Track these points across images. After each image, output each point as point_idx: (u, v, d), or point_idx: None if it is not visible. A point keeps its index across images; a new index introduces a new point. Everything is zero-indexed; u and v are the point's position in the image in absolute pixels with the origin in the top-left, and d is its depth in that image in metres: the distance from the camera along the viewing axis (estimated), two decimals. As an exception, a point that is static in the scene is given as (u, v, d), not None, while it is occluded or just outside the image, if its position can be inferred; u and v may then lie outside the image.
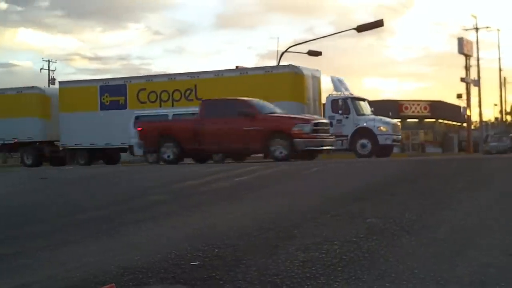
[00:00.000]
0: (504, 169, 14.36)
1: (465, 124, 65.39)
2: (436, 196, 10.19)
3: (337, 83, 32.80)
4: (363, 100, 33.05)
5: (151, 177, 17.41)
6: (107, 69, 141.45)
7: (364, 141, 29.81)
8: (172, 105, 32.15)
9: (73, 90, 35.34)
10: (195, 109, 27.01)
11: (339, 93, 32.06)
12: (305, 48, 42.99)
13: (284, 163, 20.93)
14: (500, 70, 70.25)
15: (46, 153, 36.59)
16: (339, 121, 30.57)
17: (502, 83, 69.86)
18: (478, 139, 60.90)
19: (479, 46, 61.77)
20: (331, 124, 28.18)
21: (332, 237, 7.45)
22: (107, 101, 34.10)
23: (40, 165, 36.05)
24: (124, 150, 35.64)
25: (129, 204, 12.16)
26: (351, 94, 32.67)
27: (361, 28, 41.23)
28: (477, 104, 62.12)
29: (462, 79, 59.70)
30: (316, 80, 32.13)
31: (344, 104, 30.98)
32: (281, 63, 37.87)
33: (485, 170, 14.30)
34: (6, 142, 37.31)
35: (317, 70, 32.59)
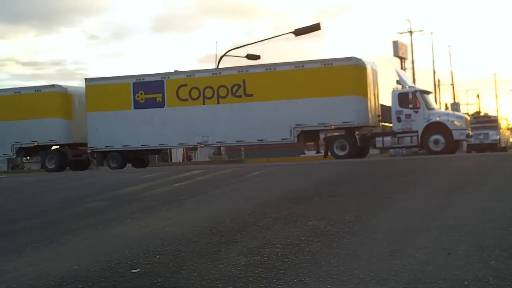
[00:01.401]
0: (438, 169, 14.69)
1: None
2: (375, 197, 10.35)
3: (404, 76, 30.89)
4: (429, 93, 30.76)
5: (89, 183, 17.13)
6: (42, 74, 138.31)
7: (438, 136, 27.40)
8: (218, 102, 29.63)
9: (102, 88, 32.04)
10: None
11: (405, 86, 29.67)
12: (244, 51, 43.10)
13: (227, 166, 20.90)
14: (434, 72, 71.98)
15: (69, 156, 33.40)
16: (408, 116, 27.86)
17: (437, 85, 71.53)
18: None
19: (413, 49, 63.29)
20: (398, 119, 27.49)
21: (274, 241, 7.48)
22: (142, 99, 30.97)
23: (63, 169, 32.91)
24: (158, 152, 33.41)
25: (67, 211, 11.92)
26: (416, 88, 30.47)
27: (298, 32, 41.54)
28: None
29: (398, 82, 60.83)
30: (375, 73, 29.70)
31: (414, 98, 28.23)
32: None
33: (420, 170, 14.60)
34: (23, 145, 33.79)
35: (374, 62, 30.16)
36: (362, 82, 28.20)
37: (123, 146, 31.11)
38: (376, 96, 29.47)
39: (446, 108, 48.38)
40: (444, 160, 17.52)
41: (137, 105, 31.02)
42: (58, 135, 32.97)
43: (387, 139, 27.99)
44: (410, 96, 28.05)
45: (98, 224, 9.99)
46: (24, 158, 38.29)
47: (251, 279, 6.01)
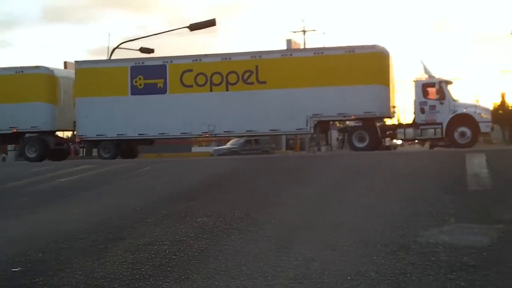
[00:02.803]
0: (328, 167, 15.03)
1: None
2: (265, 194, 10.46)
3: (428, 66, 28.97)
4: (451, 83, 29.13)
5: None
6: None
7: (464, 129, 26.36)
8: (227, 89, 27.53)
9: (95, 72, 29.15)
10: None
11: (429, 76, 28.09)
12: (138, 44, 42.40)
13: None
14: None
15: (51, 145, 30.00)
16: (433, 107, 26.72)
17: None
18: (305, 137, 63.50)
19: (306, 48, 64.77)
20: (422, 110, 26.46)
21: (162, 237, 7.40)
22: (140, 85, 28.40)
23: (44, 159, 29.46)
24: (152, 142, 30.55)
25: None
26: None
27: (193, 27, 41.31)
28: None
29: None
30: (392, 61, 28.22)
31: (440, 89, 26.95)
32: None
33: (311, 168, 14.89)
34: (0, 132, 29.91)
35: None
36: (385, 71, 27.08)
37: (117, 135, 28.49)
38: (393, 84, 28.14)
39: None
40: (335, 158, 17.98)
41: (135, 91, 28.49)
42: (43, 121, 29.51)
43: (409, 131, 27.00)
44: (437, 86, 26.82)
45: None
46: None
47: (137, 276, 5.91)
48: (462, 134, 26.17)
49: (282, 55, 27.66)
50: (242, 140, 39.01)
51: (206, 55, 28.59)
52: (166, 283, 5.70)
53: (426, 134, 26.74)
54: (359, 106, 26.04)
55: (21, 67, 31.03)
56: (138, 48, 42.57)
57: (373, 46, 27.03)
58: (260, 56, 27.73)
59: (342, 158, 17.74)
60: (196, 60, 28.43)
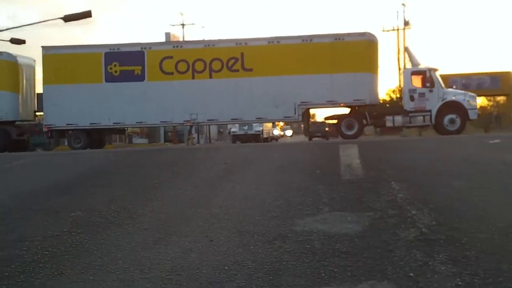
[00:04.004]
0: (206, 159, 15.05)
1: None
2: (142, 186, 10.32)
3: (415, 54, 29.48)
4: (437, 70, 29.51)
5: None
6: None
7: (453, 116, 26.96)
8: (210, 77, 26.72)
9: (64, 58, 27.50)
10: None
11: (416, 65, 28.62)
12: (8, 35, 40.62)
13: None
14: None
15: (13, 135, 28.03)
16: (422, 94, 27.27)
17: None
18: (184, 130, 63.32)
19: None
20: (411, 98, 26.65)
21: (34, 233, 7.12)
22: (115, 71, 27.09)
23: (5, 150, 26.73)
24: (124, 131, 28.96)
25: None
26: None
27: (68, 18, 40.04)
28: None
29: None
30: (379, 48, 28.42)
31: (430, 77, 27.39)
32: None
33: (188, 160, 14.84)
34: None
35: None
36: (375, 59, 27.40)
37: (90, 124, 26.96)
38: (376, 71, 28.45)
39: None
40: (214, 151, 18.02)
41: (110, 78, 27.17)
42: (6, 111, 27.72)
43: (398, 118, 27.33)
44: (427, 74, 27.35)
45: None
46: None
47: (6, 274, 5.66)
48: (452, 121, 26.90)
49: (269, 42, 27.32)
50: None
51: (187, 41, 28.91)
52: (38, 280, 5.49)
53: (415, 121, 27.42)
54: (349, 94, 26.35)
55: None
56: (9, 39, 40.82)
57: (363, 34, 27.31)
58: (245, 43, 27.38)
59: (221, 151, 17.81)
60: (176, 46, 28.07)
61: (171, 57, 27.25)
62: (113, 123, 27.49)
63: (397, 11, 74.78)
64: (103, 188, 10.40)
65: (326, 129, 51.39)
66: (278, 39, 27.38)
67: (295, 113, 26.70)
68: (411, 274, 5.13)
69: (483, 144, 16.43)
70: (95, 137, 27.94)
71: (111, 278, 5.47)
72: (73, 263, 5.92)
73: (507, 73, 46.54)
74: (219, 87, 26.66)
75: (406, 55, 30.78)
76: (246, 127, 44.04)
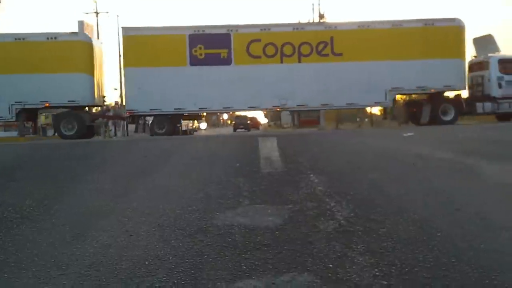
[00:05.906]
0: (126, 150, 14.87)
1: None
2: (59, 180, 10.07)
3: (496, 43, 29.58)
4: None
5: None
6: None
7: None
8: (299, 61, 26.13)
9: (146, 39, 26.19)
10: None
11: (498, 53, 28.87)
12: None
13: None
14: (119, 54, 72.90)
15: (87, 121, 26.70)
16: (510, 82, 27.70)
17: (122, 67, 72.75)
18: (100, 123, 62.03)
19: (99, 30, 63.20)
20: (499, 85, 26.80)
21: None
22: (200, 54, 26.25)
23: (81, 137, 25.72)
24: (200, 117, 27.81)
25: None
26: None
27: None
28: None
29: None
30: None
31: None
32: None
33: (109, 152, 14.63)
34: (27, 106, 25.97)
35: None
36: (463, 44, 27.10)
37: (174, 109, 26.02)
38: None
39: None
40: (133, 144, 17.79)
41: (195, 61, 26.29)
42: (83, 95, 26.29)
43: (488, 104, 27.51)
44: None
45: None
46: (25, 123, 28.71)
47: None
48: None
49: (359, 26, 26.95)
50: None
51: (276, 24, 27.14)
52: None
53: (503, 108, 27.99)
54: (439, 80, 26.51)
55: (54, 33, 27.38)
56: None
57: (453, 20, 27.34)
58: (335, 27, 27.02)
59: (139, 143, 17.60)
60: (264, 29, 27.11)
61: (259, 40, 26.77)
62: (199, 108, 26.75)
63: (313, 4, 76.14)
64: (17, 182, 10.08)
65: (248, 122, 54.11)
66: (368, 24, 27.28)
67: (386, 99, 26.80)
68: (331, 265, 5.21)
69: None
70: (177, 123, 27.28)
71: (26, 276, 5.30)
72: (-16, 261, 5.70)
73: None
74: (308, 72, 26.50)
75: (482, 44, 30.74)
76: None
